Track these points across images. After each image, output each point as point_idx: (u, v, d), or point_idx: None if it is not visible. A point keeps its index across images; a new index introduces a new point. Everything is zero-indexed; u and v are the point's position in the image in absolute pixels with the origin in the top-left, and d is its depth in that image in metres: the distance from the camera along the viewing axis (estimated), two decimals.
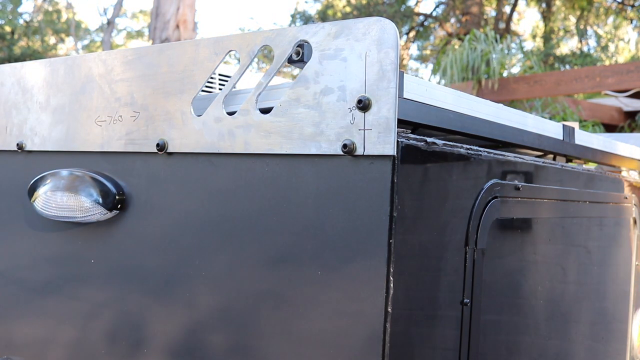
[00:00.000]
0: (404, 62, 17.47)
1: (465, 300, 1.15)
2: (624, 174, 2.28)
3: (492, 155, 1.23)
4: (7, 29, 17.93)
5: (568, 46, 17.35)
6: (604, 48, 15.74)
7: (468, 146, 1.17)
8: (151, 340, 1.28)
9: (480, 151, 1.20)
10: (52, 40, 21.15)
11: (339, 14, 17.44)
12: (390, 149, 0.98)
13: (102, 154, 1.36)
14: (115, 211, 1.32)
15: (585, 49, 16.17)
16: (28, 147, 1.50)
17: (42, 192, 1.40)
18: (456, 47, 10.85)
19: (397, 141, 0.98)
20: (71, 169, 1.39)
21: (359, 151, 1.01)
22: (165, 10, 11.35)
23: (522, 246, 1.40)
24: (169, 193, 1.26)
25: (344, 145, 1.02)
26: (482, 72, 8.81)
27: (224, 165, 1.18)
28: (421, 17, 17.29)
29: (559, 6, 17.12)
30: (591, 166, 2.14)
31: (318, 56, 1.05)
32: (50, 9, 21.81)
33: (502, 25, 15.87)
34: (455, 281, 1.14)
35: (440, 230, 1.11)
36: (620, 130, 9.17)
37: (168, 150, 1.24)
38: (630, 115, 9.50)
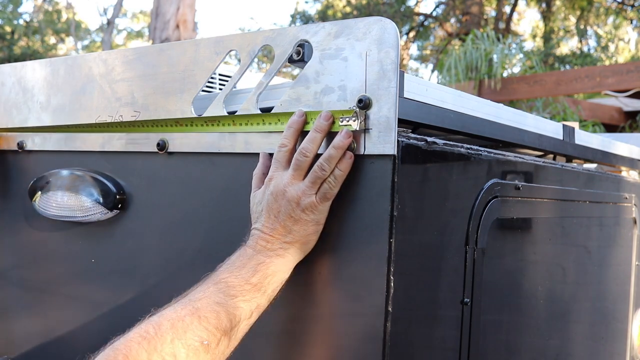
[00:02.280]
0: (404, 62, 17.46)
1: (465, 300, 1.15)
2: (623, 174, 2.28)
3: (492, 155, 1.23)
4: (7, 29, 17.91)
5: (568, 46, 17.34)
6: (604, 48, 15.73)
7: (468, 146, 1.17)
8: None
9: (481, 151, 1.20)
10: (52, 40, 21.13)
11: (339, 14, 17.43)
12: (391, 149, 0.98)
13: (103, 153, 1.36)
14: (115, 211, 1.32)
15: (585, 49, 16.16)
16: (28, 147, 1.50)
17: (42, 191, 1.41)
18: (456, 47, 10.84)
19: (398, 141, 0.98)
20: (72, 168, 1.39)
21: (360, 151, 1.01)
22: (165, 10, 11.34)
23: (522, 246, 1.40)
24: (169, 192, 1.26)
25: None
26: (483, 71, 8.80)
27: (225, 164, 1.18)
28: (421, 17, 17.27)
29: (559, 6, 17.11)
30: (591, 166, 2.14)
31: (318, 56, 1.05)
32: (50, 9, 21.80)
33: (502, 25, 15.86)
34: (455, 281, 1.14)
35: (441, 229, 1.11)
36: (621, 130, 9.16)
37: (168, 150, 1.24)
38: (631, 115, 9.48)
